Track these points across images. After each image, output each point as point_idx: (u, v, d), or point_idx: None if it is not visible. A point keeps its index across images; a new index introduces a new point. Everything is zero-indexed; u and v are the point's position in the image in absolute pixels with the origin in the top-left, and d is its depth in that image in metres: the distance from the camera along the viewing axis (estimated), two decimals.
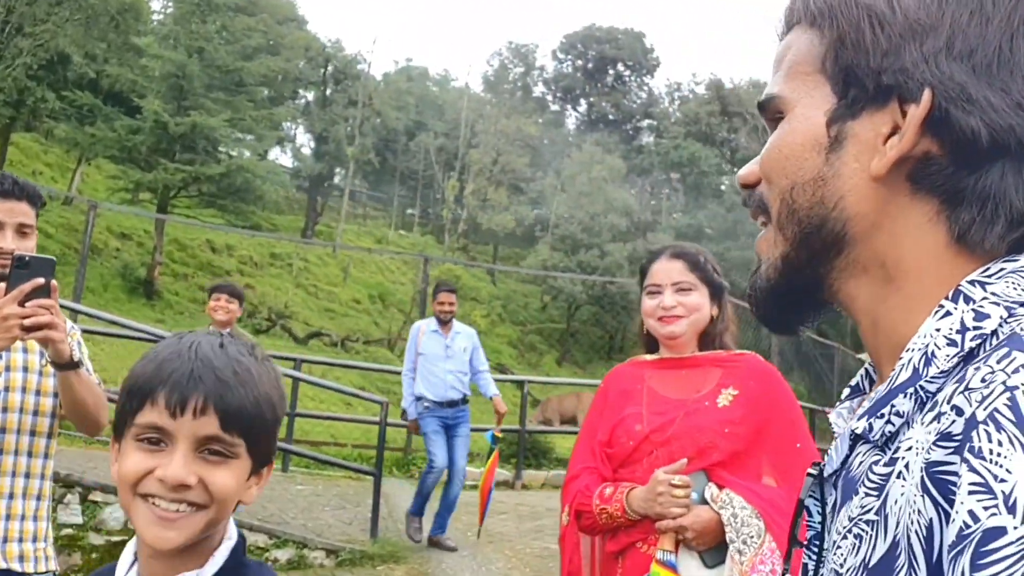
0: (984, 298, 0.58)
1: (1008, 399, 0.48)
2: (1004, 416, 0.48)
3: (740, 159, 36.82)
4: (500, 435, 6.29)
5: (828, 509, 0.68)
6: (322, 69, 31.66)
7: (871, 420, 0.60)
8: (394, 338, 24.06)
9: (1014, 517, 0.45)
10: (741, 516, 1.97)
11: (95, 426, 2.29)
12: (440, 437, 6.47)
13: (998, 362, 0.51)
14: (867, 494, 0.58)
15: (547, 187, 33.18)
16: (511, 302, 32.38)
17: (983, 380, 0.51)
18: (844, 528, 0.61)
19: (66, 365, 2.11)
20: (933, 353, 0.57)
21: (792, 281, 0.68)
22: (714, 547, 2.03)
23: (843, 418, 0.71)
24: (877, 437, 0.59)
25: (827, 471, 0.68)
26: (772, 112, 0.70)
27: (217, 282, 5.79)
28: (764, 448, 2.14)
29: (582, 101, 42.12)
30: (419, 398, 6.57)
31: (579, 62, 41.36)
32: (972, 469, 0.47)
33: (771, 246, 0.69)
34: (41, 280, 2.03)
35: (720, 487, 2.06)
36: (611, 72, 41.32)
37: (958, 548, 0.47)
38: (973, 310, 0.57)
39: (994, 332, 0.56)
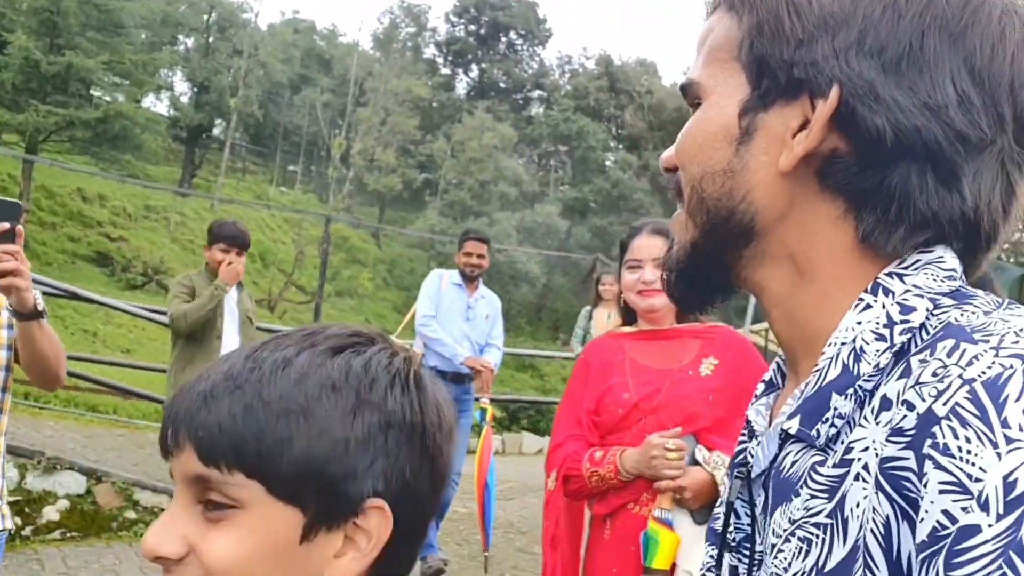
0: (906, 291, 0.58)
1: (968, 392, 0.47)
2: (967, 411, 0.46)
3: (626, 136, 37.59)
4: (487, 406, 4.68)
5: (757, 511, 0.66)
6: (205, 15, 30.15)
7: (817, 426, 0.58)
8: (275, 299, 23.42)
9: (988, 515, 0.44)
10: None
11: (55, 379, 2.19)
12: None
13: (948, 355, 0.50)
14: (814, 496, 0.57)
15: (436, 151, 32.91)
16: (397, 266, 32.08)
17: (934, 374, 0.50)
18: (784, 531, 0.59)
19: (30, 315, 2.00)
20: (862, 348, 0.57)
21: (700, 265, 0.68)
22: (705, 506, 2.14)
23: (761, 415, 0.70)
24: (821, 442, 0.57)
25: (755, 471, 0.66)
26: (692, 97, 0.68)
27: (221, 225, 4.34)
28: (743, 413, 2.26)
29: (473, 66, 41.80)
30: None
31: (472, 27, 40.98)
32: (940, 467, 0.46)
33: (683, 230, 0.68)
34: (6, 225, 1.91)
35: (710, 450, 2.17)
36: (503, 39, 41.17)
37: (932, 548, 0.46)
38: (897, 303, 0.57)
39: (922, 325, 0.56)
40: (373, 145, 31.54)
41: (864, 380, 0.56)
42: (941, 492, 0.46)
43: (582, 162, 35.04)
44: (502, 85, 41.08)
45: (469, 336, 5.22)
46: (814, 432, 0.58)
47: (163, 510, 5.29)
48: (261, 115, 32.43)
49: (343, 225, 27.30)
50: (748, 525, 0.69)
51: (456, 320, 5.16)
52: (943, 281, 0.58)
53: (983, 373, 0.48)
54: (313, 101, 35.15)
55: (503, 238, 28.77)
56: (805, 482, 0.58)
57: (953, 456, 0.46)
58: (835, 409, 0.57)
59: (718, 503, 0.74)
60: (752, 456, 0.67)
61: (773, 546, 0.61)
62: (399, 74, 33.36)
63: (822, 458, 0.57)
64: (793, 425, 0.59)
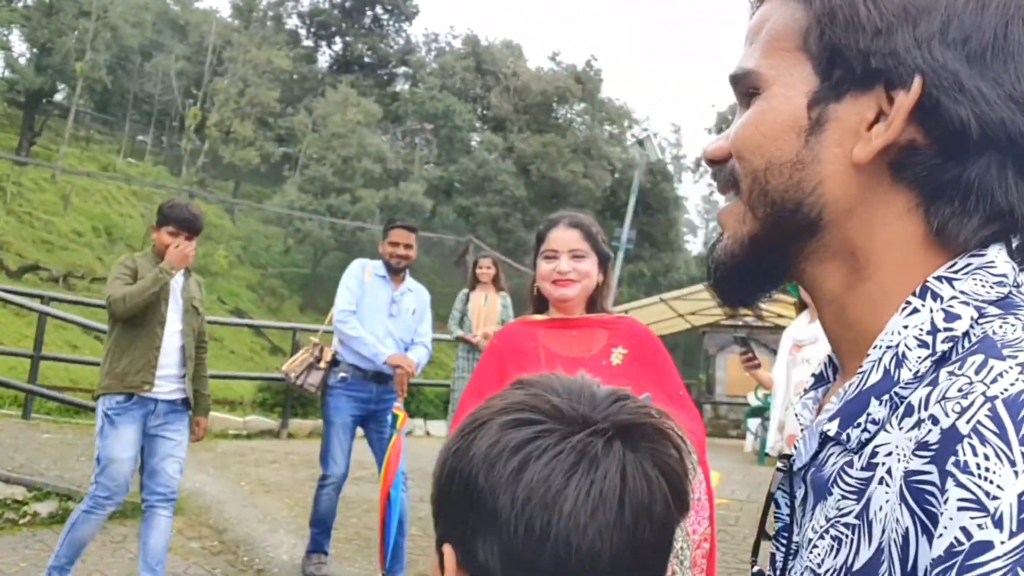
0: (953, 297, 0.57)
1: (989, 410, 0.47)
2: (987, 428, 0.47)
3: (492, 117, 37.77)
4: (400, 411, 4.14)
5: (797, 503, 0.68)
6: None
7: (848, 430, 0.59)
8: None
9: (1001, 532, 0.44)
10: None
11: None
12: (347, 434, 4.76)
13: (976, 372, 0.50)
14: (844, 496, 0.58)
15: (297, 125, 32.03)
16: (252, 243, 31.09)
17: (960, 390, 0.50)
18: (821, 528, 0.60)
19: None
20: (904, 355, 0.57)
21: (758, 260, 0.66)
22: None
23: (808, 409, 0.71)
24: (854, 446, 0.58)
25: (796, 465, 0.66)
26: (745, 87, 0.66)
27: (172, 206, 4.03)
28: (656, 400, 2.39)
29: (337, 39, 40.79)
30: (336, 363, 4.73)
31: None
32: (960, 484, 0.47)
33: (739, 222, 0.66)
34: None
35: None
36: (369, 13, 40.37)
37: (946, 564, 0.46)
38: (943, 309, 0.57)
39: (965, 334, 0.55)
40: (230, 117, 30.33)
41: (902, 387, 0.56)
42: (960, 509, 0.46)
43: (448, 141, 34.99)
44: (367, 60, 40.34)
45: (393, 333, 4.72)
46: (845, 436, 0.58)
47: (16, 501, 4.87)
48: (109, 81, 30.46)
49: (197, 200, 26.20)
50: (787, 515, 0.69)
51: (379, 316, 4.66)
52: (992, 287, 0.57)
53: (1005, 391, 0.48)
54: (166, 69, 33.40)
55: (366, 216, 28.41)
56: (836, 482, 0.59)
57: (972, 474, 0.46)
58: (869, 415, 0.57)
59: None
60: (796, 449, 0.66)
61: (810, 540, 0.61)
62: (259, 44, 32.18)
63: (850, 458, 0.58)
64: (832, 428, 0.60)
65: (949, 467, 0.47)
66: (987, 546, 0.44)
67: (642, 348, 2.41)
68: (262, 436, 9.18)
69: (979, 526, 0.45)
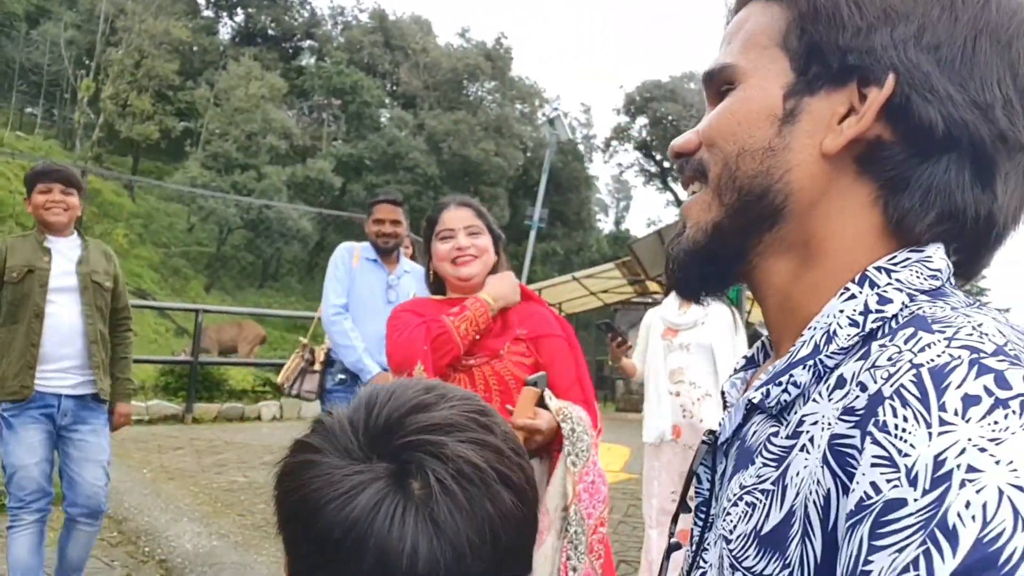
0: (888, 284, 0.60)
1: (914, 375, 0.49)
2: (910, 392, 0.49)
3: (401, 94, 37.23)
4: None
5: (717, 476, 0.70)
6: None
7: (768, 386, 0.61)
8: None
9: (915, 489, 0.46)
10: (577, 432, 2.14)
11: None
12: None
13: (905, 342, 0.53)
14: (765, 464, 0.59)
15: (198, 98, 30.83)
16: (154, 221, 29.87)
17: (890, 359, 0.52)
18: (735, 495, 0.62)
19: None
20: (835, 332, 0.59)
21: (718, 248, 0.68)
22: (534, 452, 2.17)
23: (736, 388, 0.74)
24: (772, 405, 0.61)
25: (720, 439, 0.69)
26: (721, 83, 0.69)
27: (34, 168, 3.62)
28: (559, 381, 2.34)
29: (238, 10, 39.38)
30: (331, 362, 4.25)
31: None
32: (876, 442, 0.49)
33: (704, 210, 0.69)
34: None
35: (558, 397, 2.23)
36: None
37: (857, 517, 0.48)
38: (877, 294, 0.60)
39: (894, 316, 0.58)
40: (126, 89, 28.97)
41: (827, 356, 0.58)
42: (872, 465, 0.48)
43: (356, 117, 34.31)
44: (270, 33, 39.12)
45: None
46: (764, 392, 0.61)
47: None
48: None
49: (93, 176, 24.99)
50: (707, 490, 0.71)
51: (376, 305, 4.09)
52: (926, 279, 0.60)
53: (932, 360, 0.50)
54: (55, 37, 31.61)
55: (273, 193, 27.64)
56: (760, 451, 0.61)
57: (889, 433, 0.48)
58: (791, 376, 0.60)
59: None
60: (721, 425, 0.69)
61: (724, 509, 0.64)
62: (156, 14, 30.74)
63: (776, 428, 0.60)
64: (756, 395, 0.62)
65: (869, 427, 0.49)
66: (901, 503, 0.46)
67: (541, 325, 2.37)
68: (165, 421, 8.86)
69: (889, 482, 0.47)
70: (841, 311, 0.60)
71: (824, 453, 0.52)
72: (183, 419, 8.89)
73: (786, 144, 0.64)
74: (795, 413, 0.58)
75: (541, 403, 2.15)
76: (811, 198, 0.64)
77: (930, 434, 0.47)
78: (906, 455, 0.47)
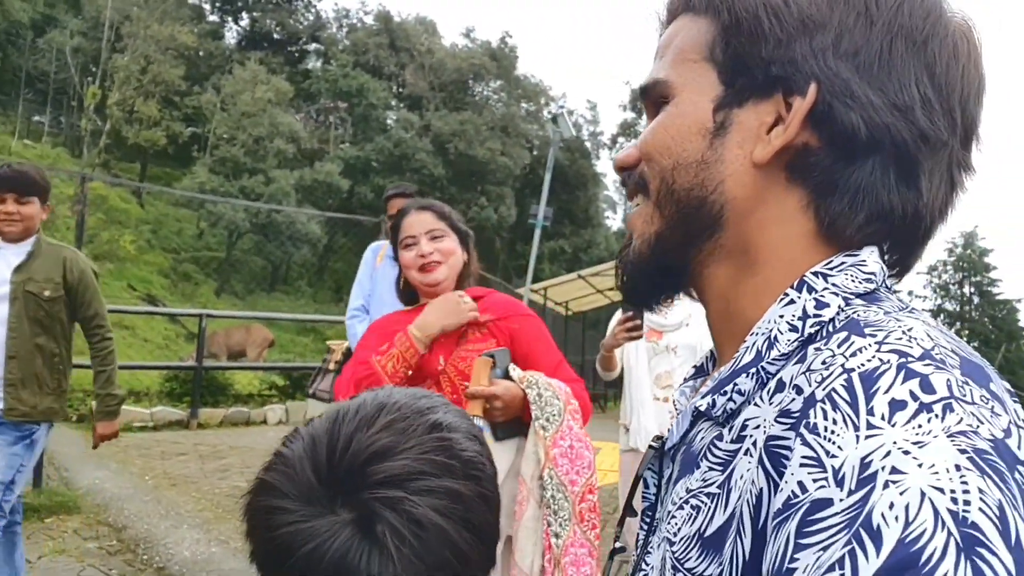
0: (825, 288, 0.62)
1: (845, 380, 0.51)
2: (840, 396, 0.50)
3: (407, 96, 37.20)
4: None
5: (664, 481, 0.72)
6: None
7: (714, 396, 0.63)
8: None
9: (841, 490, 0.47)
10: (545, 396, 2.13)
11: None
12: None
13: (839, 346, 0.55)
14: (711, 468, 0.61)
15: (205, 104, 30.89)
16: (163, 227, 29.96)
17: (824, 363, 0.54)
18: (680, 499, 0.63)
19: None
20: (775, 337, 0.61)
21: (662, 259, 0.70)
22: (509, 422, 2.15)
23: (685, 396, 0.76)
24: (719, 413, 0.62)
25: (668, 445, 0.71)
26: (656, 96, 0.71)
27: None
28: (531, 360, 2.32)
29: (244, 15, 39.43)
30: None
31: None
32: (805, 443, 0.50)
33: (647, 223, 0.71)
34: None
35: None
36: None
37: (784, 515, 0.49)
38: (815, 299, 0.62)
39: (831, 320, 0.60)
40: (133, 95, 29.03)
41: (768, 363, 0.60)
42: (801, 465, 0.50)
43: (363, 120, 34.30)
44: (276, 36, 39.13)
45: None
46: (711, 401, 0.63)
47: None
48: None
49: (100, 183, 25.06)
50: (653, 495, 0.74)
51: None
52: (861, 283, 0.62)
53: (862, 365, 0.52)
54: (61, 45, 31.70)
55: (281, 197, 27.66)
56: (705, 455, 0.63)
57: (818, 435, 0.50)
58: (736, 385, 0.62)
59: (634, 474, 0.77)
60: (669, 431, 0.71)
61: (668, 512, 0.66)
62: (161, 19, 30.82)
63: (719, 432, 0.62)
64: (703, 403, 0.64)
65: (800, 429, 0.51)
66: (827, 503, 0.47)
67: (508, 315, 2.34)
68: (171, 427, 8.83)
69: (816, 482, 0.48)
70: (781, 316, 0.62)
71: (760, 454, 0.54)
72: (188, 424, 8.87)
73: (718, 156, 0.66)
74: (743, 419, 0.60)
75: (507, 377, 2.14)
76: (746, 207, 0.66)
77: (857, 437, 0.48)
78: (833, 456, 0.48)
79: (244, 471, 7.06)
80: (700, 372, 0.78)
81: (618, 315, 3.63)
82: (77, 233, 10.05)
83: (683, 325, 3.77)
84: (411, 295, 2.43)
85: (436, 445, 0.76)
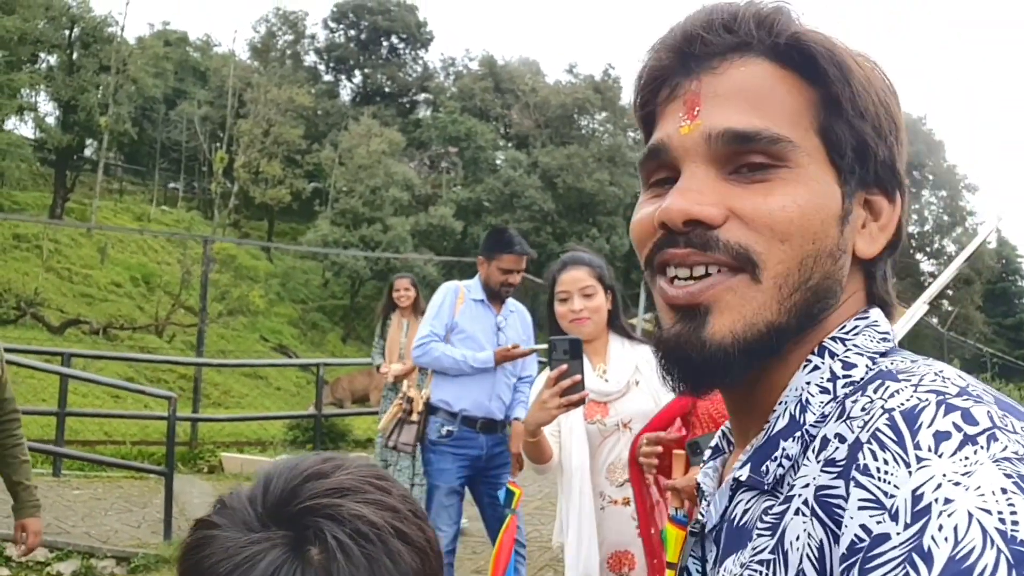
0: (847, 350, 0.62)
1: (887, 419, 0.52)
2: (885, 435, 0.51)
3: (514, 135, 37.77)
4: (515, 487, 3.03)
5: (708, 566, 0.69)
6: (67, 31, 28.65)
7: (765, 463, 0.61)
8: (162, 323, 22.52)
9: (897, 524, 0.48)
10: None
11: None
12: (455, 500, 3.88)
13: (875, 391, 0.55)
14: (759, 535, 0.59)
15: (324, 160, 32.31)
16: (290, 279, 31.35)
17: (863, 409, 0.54)
18: (733, 575, 0.62)
19: None
20: (807, 400, 0.61)
21: (765, 346, 0.63)
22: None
23: (710, 477, 0.74)
24: (770, 480, 0.60)
25: (708, 526, 0.68)
26: (765, 152, 0.62)
27: None
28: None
29: (356, 72, 41.18)
30: (434, 409, 3.94)
31: (351, 32, 40.36)
32: (860, 486, 0.50)
33: (754, 307, 0.62)
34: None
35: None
36: (385, 44, 40.70)
37: (850, 560, 0.49)
38: (840, 360, 0.62)
39: (862, 379, 0.60)
40: (257, 157, 30.67)
41: (810, 426, 0.60)
42: (860, 508, 0.50)
43: (473, 162, 35.02)
44: (387, 90, 40.64)
45: (505, 367, 3.90)
46: (763, 469, 0.62)
47: (38, 562, 4.47)
48: (135, 132, 31.04)
49: (228, 244, 26.46)
50: None
51: (487, 347, 3.89)
52: (879, 342, 0.64)
53: (902, 404, 0.53)
54: (190, 115, 33.91)
55: (398, 243, 28.49)
56: (756, 525, 0.61)
57: (872, 476, 0.50)
58: (783, 450, 0.61)
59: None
60: (703, 515, 0.69)
61: None
62: (279, 83, 32.57)
63: (771, 502, 0.60)
64: (744, 472, 0.63)
65: (852, 473, 0.52)
66: (885, 538, 0.48)
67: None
68: None
69: (878, 523, 0.49)
70: (808, 382, 0.62)
71: (813, 507, 0.54)
72: None
73: (845, 246, 0.64)
74: (789, 484, 0.59)
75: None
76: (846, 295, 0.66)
77: (909, 472, 0.49)
78: (891, 496, 0.49)
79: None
80: (717, 452, 0.76)
81: (545, 374, 2.43)
82: (201, 292, 10.68)
83: (631, 386, 2.70)
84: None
85: (372, 473, 0.75)
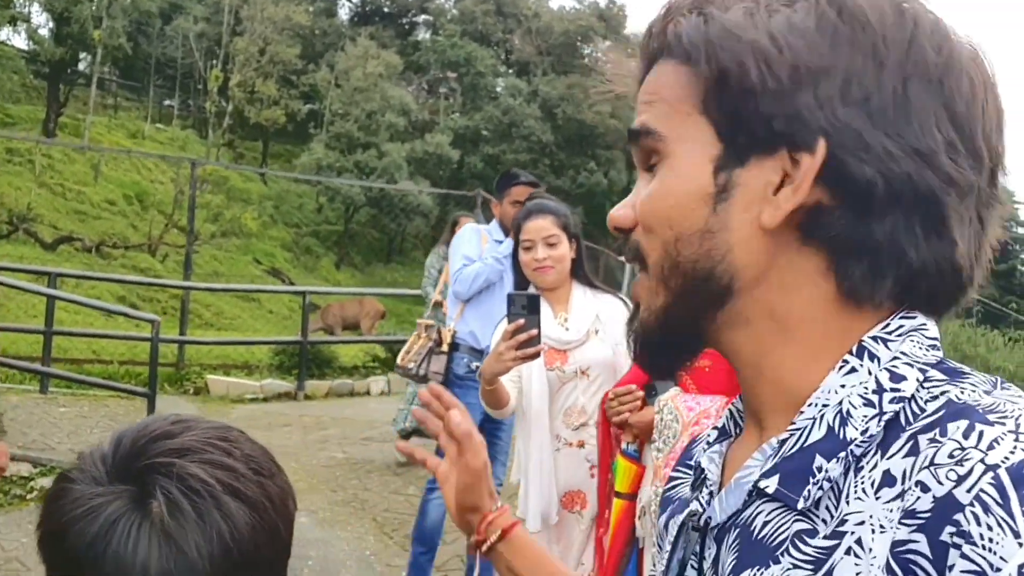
0: (895, 358, 0.57)
1: (992, 479, 0.47)
2: (990, 497, 0.47)
3: (515, 62, 37.17)
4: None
5: (706, 564, 0.65)
6: None
7: (807, 488, 0.57)
8: (155, 242, 22.54)
9: None
10: (665, 420, 2.40)
11: None
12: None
13: (964, 437, 0.50)
14: (796, 566, 0.56)
15: (320, 81, 31.83)
16: (284, 203, 31.24)
17: (951, 456, 0.50)
18: None
19: None
20: (848, 412, 0.56)
21: (674, 331, 0.65)
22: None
23: (715, 463, 0.69)
24: (808, 505, 0.56)
25: (713, 522, 0.64)
26: (647, 147, 0.65)
27: None
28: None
29: None
30: (456, 345, 4.03)
31: None
32: (965, 556, 0.47)
33: (651, 295, 0.65)
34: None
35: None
36: None
37: None
38: (886, 369, 0.57)
39: (912, 396, 0.56)
40: (252, 76, 30.22)
41: (855, 447, 0.55)
42: None
43: (472, 89, 34.55)
44: (386, 10, 39.81)
45: None
46: (804, 494, 0.56)
47: (22, 477, 4.66)
48: (130, 47, 30.49)
49: (220, 167, 26.27)
50: None
51: (507, 289, 3.68)
52: (928, 350, 0.58)
53: (1006, 459, 0.48)
54: (186, 31, 33.29)
55: (393, 170, 28.30)
56: (787, 550, 0.56)
57: (976, 544, 0.46)
58: (825, 472, 0.56)
59: (657, 553, 0.74)
60: (703, 506, 0.65)
61: None
62: (277, 1, 31.88)
63: (809, 527, 0.56)
64: (771, 485, 0.58)
65: (946, 538, 0.48)
66: None
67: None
68: (279, 399, 9.29)
69: None
70: (843, 386, 0.58)
71: (887, 561, 0.50)
72: (295, 396, 9.31)
73: (722, 223, 0.60)
74: (826, 509, 0.55)
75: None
76: (757, 274, 0.61)
77: (1019, 543, 0.46)
78: (998, 569, 0.46)
79: (343, 442, 7.38)
80: (724, 434, 0.71)
81: (503, 325, 2.44)
82: (189, 216, 10.67)
83: (590, 335, 2.80)
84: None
85: (218, 435, 0.80)
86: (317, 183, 29.12)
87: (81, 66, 32.08)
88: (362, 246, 31.74)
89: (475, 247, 4.04)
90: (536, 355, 2.30)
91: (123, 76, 37.40)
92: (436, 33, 37.71)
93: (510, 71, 37.13)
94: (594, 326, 2.81)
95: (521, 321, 2.25)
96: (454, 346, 4.07)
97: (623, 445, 2.53)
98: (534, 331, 2.24)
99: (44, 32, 29.55)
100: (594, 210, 34.44)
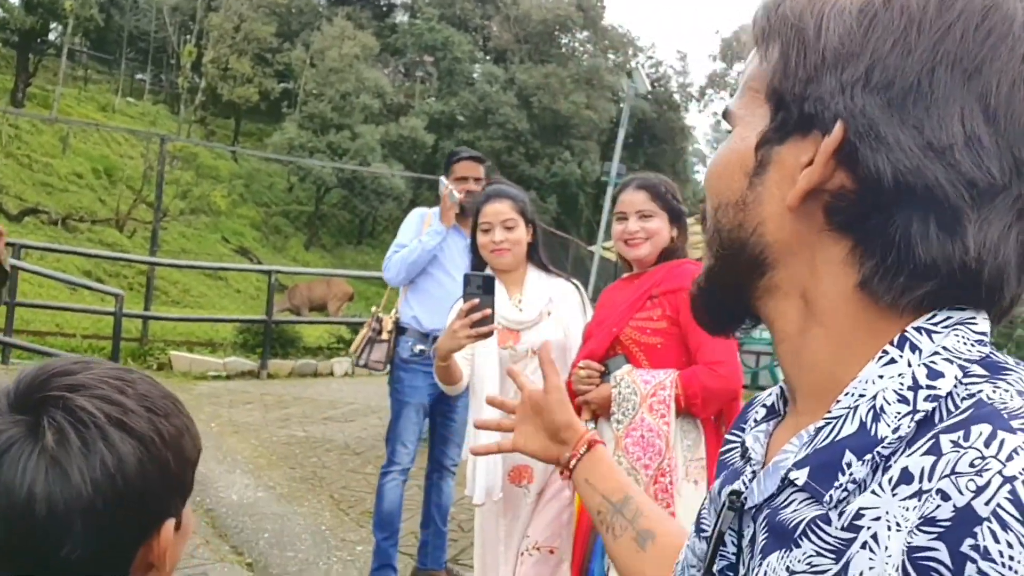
0: (935, 352, 0.56)
1: (1010, 493, 0.47)
2: (1008, 513, 0.46)
3: (492, 48, 37.11)
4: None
5: (744, 542, 0.66)
6: None
7: (830, 491, 0.57)
8: (123, 217, 22.33)
9: None
10: (624, 394, 2.50)
11: None
12: (420, 417, 3.98)
13: (986, 445, 0.50)
14: (819, 553, 0.56)
15: (295, 60, 31.61)
16: (255, 181, 31.03)
17: (972, 465, 0.49)
18: None
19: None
20: (882, 408, 0.56)
21: (718, 292, 0.69)
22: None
23: (760, 443, 0.69)
24: (832, 504, 0.56)
25: (748, 503, 0.65)
26: (731, 126, 0.68)
27: None
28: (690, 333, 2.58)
29: None
30: (403, 329, 4.07)
31: None
32: (981, 572, 0.47)
33: (705, 256, 0.70)
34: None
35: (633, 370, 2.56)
36: None
37: None
38: (925, 364, 0.56)
39: (948, 394, 0.55)
40: (226, 53, 29.93)
41: (883, 447, 0.55)
42: None
43: (448, 74, 34.46)
44: None
45: None
46: (828, 497, 0.56)
47: None
48: (102, 19, 30.08)
49: (190, 144, 26.02)
50: (734, 555, 0.67)
51: (458, 268, 3.78)
52: (973, 345, 0.56)
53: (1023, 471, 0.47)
54: (160, 4, 32.89)
55: (366, 152, 28.21)
56: (806, 534, 0.57)
57: (994, 562, 0.46)
58: (851, 474, 0.55)
59: (704, 529, 0.74)
60: (746, 486, 0.65)
61: None
62: None
63: (822, 513, 0.57)
64: (801, 476, 0.58)
65: (966, 550, 0.47)
66: None
67: (673, 282, 2.60)
68: (242, 377, 9.33)
69: None
70: (881, 376, 0.57)
71: (903, 563, 0.50)
72: (258, 375, 9.35)
73: (756, 197, 0.63)
74: (847, 502, 0.55)
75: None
76: (787, 251, 0.62)
77: None
78: None
79: (303, 420, 7.45)
80: (772, 413, 0.71)
81: (459, 305, 2.51)
82: (156, 193, 10.61)
83: (543, 316, 2.92)
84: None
85: (115, 375, 0.86)
86: (289, 163, 28.94)
87: (52, 36, 31.51)
88: (332, 227, 31.62)
89: (412, 232, 3.99)
90: (489, 334, 2.40)
91: (94, 48, 36.81)
92: (414, 16, 37.55)
93: (487, 58, 37.08)
94: (547, 308, 2.92)
95: (476, 300, 2.35)
96: (400, 331, 4.08)
97: (582, 423, 2.70)
98: (488, 311, 2.35)
99: (14, 0, 29.02)
100: (567, 199, 34.64)
